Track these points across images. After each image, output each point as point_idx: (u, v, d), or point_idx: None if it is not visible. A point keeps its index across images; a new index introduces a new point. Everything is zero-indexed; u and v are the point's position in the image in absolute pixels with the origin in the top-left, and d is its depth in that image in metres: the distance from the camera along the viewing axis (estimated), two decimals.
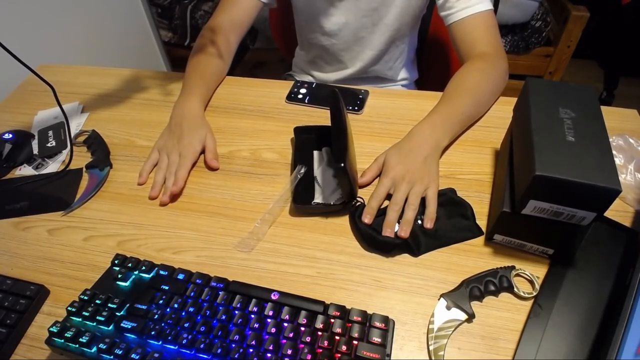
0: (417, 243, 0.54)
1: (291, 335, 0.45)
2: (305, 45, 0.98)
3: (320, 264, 0.54)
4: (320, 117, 0.75)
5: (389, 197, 0.58)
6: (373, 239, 0.54)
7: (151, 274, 0.52)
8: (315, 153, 0.67)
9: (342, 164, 0.52)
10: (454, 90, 0.70)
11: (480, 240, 0.55)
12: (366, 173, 0.62)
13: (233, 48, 0.84)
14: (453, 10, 0.75)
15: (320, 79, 0.99)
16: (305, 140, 0.68)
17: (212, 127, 0.74)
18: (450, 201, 0.58)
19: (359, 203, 0.58)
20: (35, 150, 0.73)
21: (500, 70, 0.72)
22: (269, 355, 0.43)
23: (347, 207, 0.59)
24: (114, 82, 0.87)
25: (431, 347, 0.45)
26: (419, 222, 0.56)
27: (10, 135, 0.72)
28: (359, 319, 0.46)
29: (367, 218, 0.56)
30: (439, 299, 0.49)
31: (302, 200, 0.60)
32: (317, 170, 0.64)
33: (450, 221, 0.56)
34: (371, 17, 0.85)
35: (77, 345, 0.45)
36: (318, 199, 0.60)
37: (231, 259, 0.56)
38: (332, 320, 0.46)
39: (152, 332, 0.45)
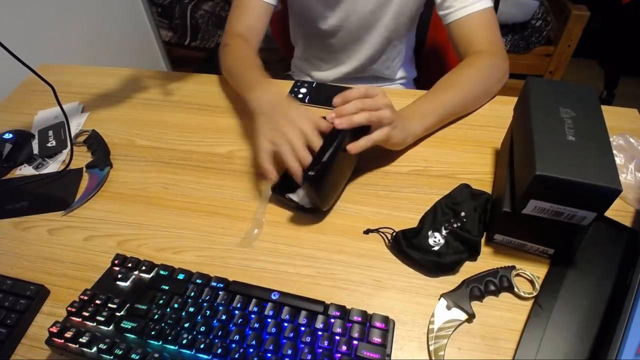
0: (472, 245, 0.53)
1: (291, 335, 0.45)
2: (302, 45, 0.98)
3: (320, 264, 0.54)
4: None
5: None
6: (438, 264, 0.51)
7: (151, 274, 0.52)
8: None
9: (310, 173, 0.52)
10: (443, 84, 0.70)
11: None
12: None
13: (257, 52, 0.83)
14: (452, 10, 0.74)
15: (318, 79, 0.99)
16: None
17: (212, 127, 0.75)
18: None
19: (395, 233, 0.55)
20: (36, 150, 0.73)
21: (497, 70, 0.71)
22: (269, 355, 0.43)
23: (318, 214, 0.59)
24: (114, 82, 0.87)
25: (431, 347, 0.45)
26: (455, 225, 0.54)
27: (10, 135, 0.72)
28: (359, 319, 0.46)
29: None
30: (439, 299, 0.49)
31: (280, 191, 0.59)
32: None
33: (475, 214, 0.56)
34: (368, 19, 0.85)
35: (77, 345, 0.45)
36: (294, 195, 0.59)
37: (231, 259, 0.56)
38: (332, 320, 0.46)
39: (152, 332, 0.45)
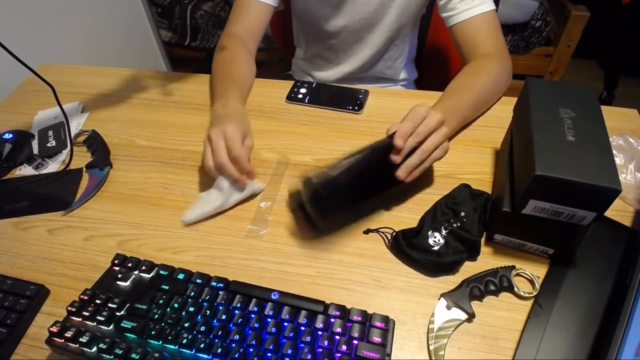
0: (471, 245, 0.53)
1: (291, 335, 0.45)
2: (304, 45, 0.98)
3: (320, 264, 0.54)
4: (321, 116, 0.75)
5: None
6: (437, 264, 0.51)
7: (151, 274, 0.52)
8: None
9: (314, 181, 0.48)
10: (458, 87, 0.70)
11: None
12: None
13: (253, 55, 0.83)
14: (455, 12, 0.74)
15: (320, 79, 0.99)
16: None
17: None
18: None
19: (394, 233, 0.55)
20: (35, 150, 0.73)
21: (505, 72, 0.72)
22: (269, 355, 0.43)
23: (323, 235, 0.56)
24: (114, 82, 0.87)
25: (431, 347, 0.45)
26: (455, 225, 0.54)
27: (10, 135, 0.72)
28: (359, 318, 0.46)
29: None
30: (439, 299, 0.49)
31: (298, 205, 0.56)
32: None
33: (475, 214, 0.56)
34: (371, 18, 0.85)
35: (77, 345, 0.45)
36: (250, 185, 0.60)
37: (231, 258, 0.56)
38: (332, 320, 0.46)
39: (152, 332, 0.45)
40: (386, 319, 0.46)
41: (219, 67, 0.77)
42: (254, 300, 0.48)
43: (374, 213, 0.56)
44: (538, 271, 0.51)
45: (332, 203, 0.51)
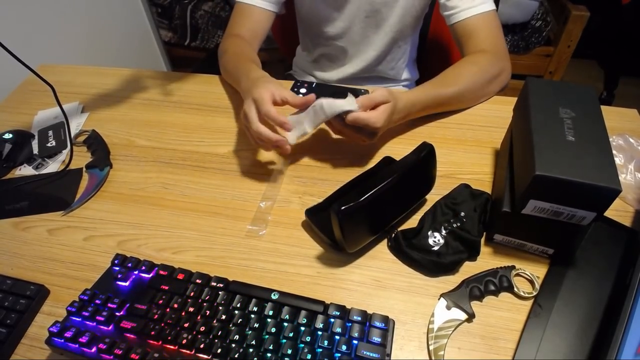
0: (471, 245, 0.53)
1: (291, 335, 0.45)
2: (309, 46, 0.98)
3: (320, 264, 0.54)
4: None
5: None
6: (437, 264, 0.51)
7: (151, 274, 0.52)
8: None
9: (342, 207, 0.47)
10: (444, 75, 0.71)
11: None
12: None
13: (255, 51, 0.82)
14: (456, 10, 0.75)
15: (322, 79, 0.99)
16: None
17: (212, 127, 0.75)
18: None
19: (394, 234, 0.55)
20: (35, 150, 0.73)
21: (496, 68, 0.72)
22: (269, 355, 0.43)
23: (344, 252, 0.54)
24: (114, 82, 0.87)
25: (431, 347, 0.45)
26: (455, 225, 0.54)
27: (10, 135, 0.72)
28: (359, 318, 0.46)
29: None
30: (439, 299, 0.49)
31: (313, 217, 0.57)
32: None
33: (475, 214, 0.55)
34: (374, 19, 0.85)
35: (77, 345, 0.45)
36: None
37: (231, 259, 0.56)
38: (332, 320, 0.46)
39: (152, 332, 0.45)
40: (386, 319, 0.46)
41: (231, 58, 0.76)
42: (254, 300, 0.48)
43: (390, 225, 0.56)
44: (538, 271, 0.51)
45: (358, 226, 0.51)
